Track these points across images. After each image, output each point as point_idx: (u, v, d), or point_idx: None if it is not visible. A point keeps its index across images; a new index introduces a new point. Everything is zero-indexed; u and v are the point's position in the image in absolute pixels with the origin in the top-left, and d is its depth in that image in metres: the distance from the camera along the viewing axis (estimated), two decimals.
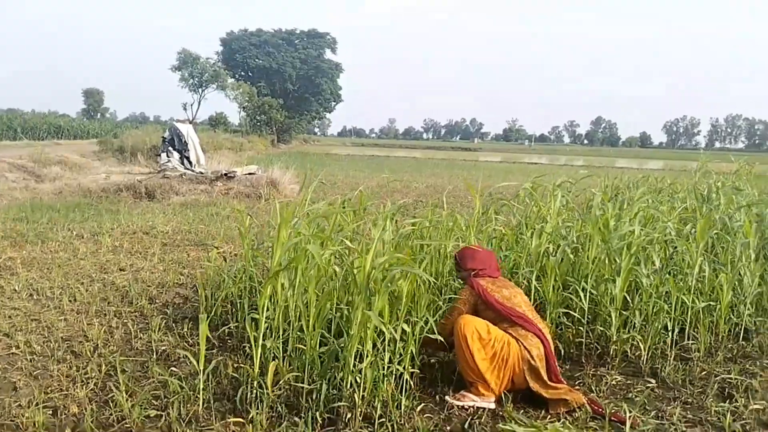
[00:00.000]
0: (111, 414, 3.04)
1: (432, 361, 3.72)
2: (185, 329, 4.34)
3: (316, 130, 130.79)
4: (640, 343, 3.91)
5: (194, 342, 4.10)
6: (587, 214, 4.63)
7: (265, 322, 3.16)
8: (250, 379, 3.14)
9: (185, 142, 13.59)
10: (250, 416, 2.94)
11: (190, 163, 13.67)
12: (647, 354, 3.94)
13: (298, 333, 3.27)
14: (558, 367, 3.37)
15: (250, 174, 12.87)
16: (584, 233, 4.48)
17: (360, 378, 3.00)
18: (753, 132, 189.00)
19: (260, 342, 3.01)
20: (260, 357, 3.03)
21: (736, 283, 4.60)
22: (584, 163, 41.82)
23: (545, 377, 3.26)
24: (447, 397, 3.28)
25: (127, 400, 3.12)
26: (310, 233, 3.81)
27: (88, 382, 3.43)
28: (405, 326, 3.17)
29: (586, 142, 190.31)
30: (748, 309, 4.57)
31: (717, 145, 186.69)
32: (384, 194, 14.50)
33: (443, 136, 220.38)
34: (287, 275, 3.17)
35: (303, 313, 3.07)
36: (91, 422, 2.95)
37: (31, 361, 3.76)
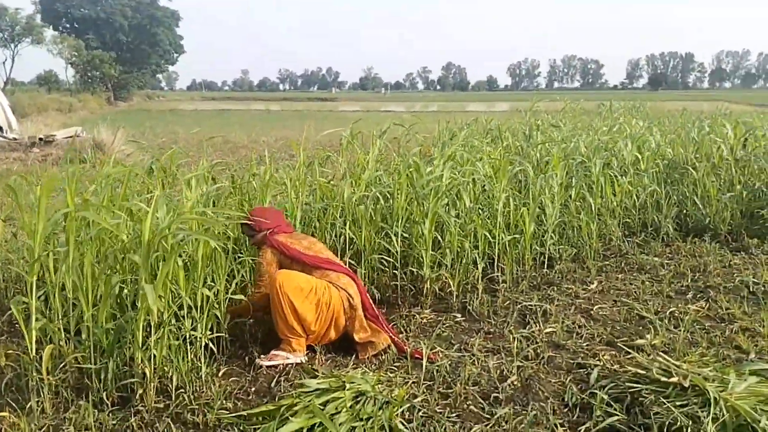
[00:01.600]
0: None
1: (242, 323, 3.60)
2: None
3: (162, 84, 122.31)
4: (449, 280, 4.08)
5: None
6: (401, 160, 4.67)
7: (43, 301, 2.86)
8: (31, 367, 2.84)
9: None
10: (29, 406, 2.67)
11: (0, 129, 12.15)
12: (458, 290, 4.13)
13: (86, 311, 3.00)
14: (372, 304, 3.46)
15: (72, 137, 11.72)
16: (398, 179, 4.53)
17: (156, 351, 2.82)
18: (587, 71, 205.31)
19: (32, 325, 2.71)
20: (35, 342, 2.74)
21: (543, 215, 4.94)
22: (438, 108, 42.96)
23: (362, 315, 3.32)
24: (257, 360, 3.20)
25: None
26: (104, 199, 3.49)
27: None
28: (206, 291, 3.03)
29: (438, 87, 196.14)
30: (552, 238, 4.94)
31: (556, 85, 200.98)
32: (228, 151, 13.95)
33: (300, 86, 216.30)
34: (62, 250, 2.86)
35: (80, 289, 2.80)
36: None
37: None
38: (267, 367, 3.14)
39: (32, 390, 2.76)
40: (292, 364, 3.17)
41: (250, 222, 3.50)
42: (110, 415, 2.68)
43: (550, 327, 3.69)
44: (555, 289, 4.37)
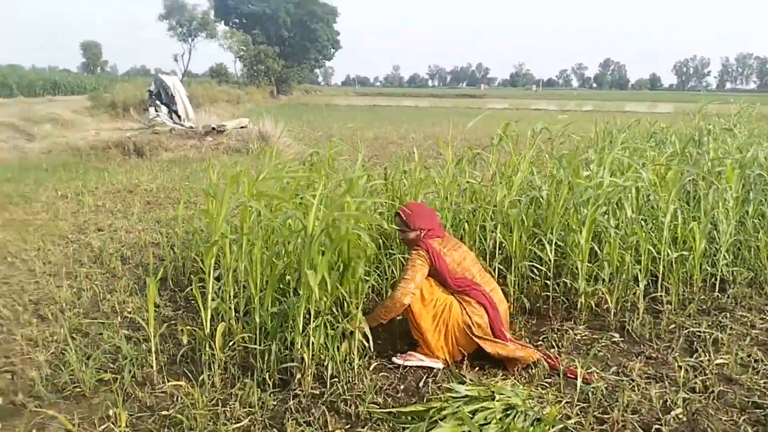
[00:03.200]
0: (65, 378, 3.03)
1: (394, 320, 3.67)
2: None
3: (320, 79, 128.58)
4: (607, 296, 3.85)
5: (162, 304, 4.08)
6: (558, 163, 4.48)
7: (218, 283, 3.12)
8: (205, 342, 3.12)
9: (172, 95, 13.36)
10: (201, 378, 2.93)
11: (179, 117, 13.48)
12: (616, 307, 3.89)
13: (254, 294, 3.23)
14: (505, 333, 3.23)
15: (241, 128, 12.70)
16: (555, 183, 4.35)
17: (314, 338, 2.97)
18: (765, 71, 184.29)
19: (208, 304, 2.97)
20: (209, 319, 3.00)
21: (715, 231, 4.50)
22: (593, 107, 40.79)
23: (485, 338, 3.18)
24: (394, 358, 3.23)
25: (82, 364, 3.11)
26: (275, 193, 3.73)
27: (50, 346, 3.43)
28: (359, 285, 3.14)
29: (594, 85, 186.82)
30: (725, 258, 4.48)
31: (728, 86, 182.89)
32: (378, 146, 14.32)
33: (449, 83, 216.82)
34: (235, 237, 3.10)
35: (249, 273, 3.02)
36: (44, 386, 2.95)
37: None
38: (407, 367, 3.16)
39: (204, 364, 3.02)
40: (432, 369, 3.16)
41: (404, 217, 3.34)
42: (271, 395, 2.85)
43: (721, 358, 3.35)
44: (728, 315, 3.96)
